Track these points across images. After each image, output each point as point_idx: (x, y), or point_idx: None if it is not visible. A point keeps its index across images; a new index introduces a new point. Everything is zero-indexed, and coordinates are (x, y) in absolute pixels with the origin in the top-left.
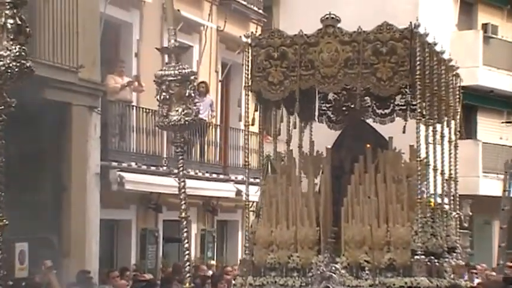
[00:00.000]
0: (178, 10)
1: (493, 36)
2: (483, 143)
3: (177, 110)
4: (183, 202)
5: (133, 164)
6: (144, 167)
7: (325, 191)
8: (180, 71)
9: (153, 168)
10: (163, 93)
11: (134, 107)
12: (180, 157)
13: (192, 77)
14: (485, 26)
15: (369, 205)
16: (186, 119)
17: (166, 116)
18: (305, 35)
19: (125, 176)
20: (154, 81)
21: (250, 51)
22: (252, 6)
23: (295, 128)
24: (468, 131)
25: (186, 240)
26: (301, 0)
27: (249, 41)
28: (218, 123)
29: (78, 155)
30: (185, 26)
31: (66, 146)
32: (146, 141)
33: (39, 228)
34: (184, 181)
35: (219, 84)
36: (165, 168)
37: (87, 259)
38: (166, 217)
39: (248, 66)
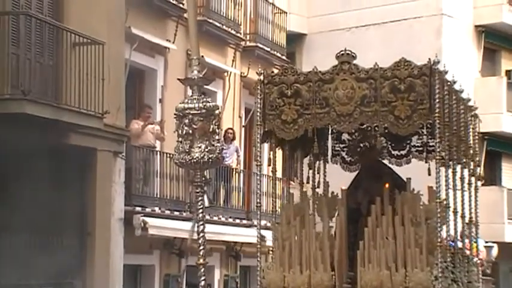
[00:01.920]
0: (203, 56)
1: None
2: (508, 189)
3: (200, 147)
4: (201, 247)
5: (156, 209)
6: (168, 211)
7: (341, 234)
8: (204, 104)
9: (176, 213)
10: (185, 128)
11: (158, 152)
12: (200, 198)
13: (217, 112)
14: (509, 73)
15: (386, 248)
16: (210, 156)
17: (188, 152)
18: (319, 71)
19: (148, 221)
20: (175, 114)
21: (262, 88)
22: (275, 53)
23: (310, 168)
24: (493, 177)
25: None
26: (323, 46)
27: (262, 78)
28: (242, 168)
29: (102, 200)
30: (209, 71)
31: (91, 191)
32: (170, 186)
33: (63, 273)
34: (203, 224)
35: (243, 129)
36: (188, 213)
37: None
38: (190, 262)
39: (260, 104)
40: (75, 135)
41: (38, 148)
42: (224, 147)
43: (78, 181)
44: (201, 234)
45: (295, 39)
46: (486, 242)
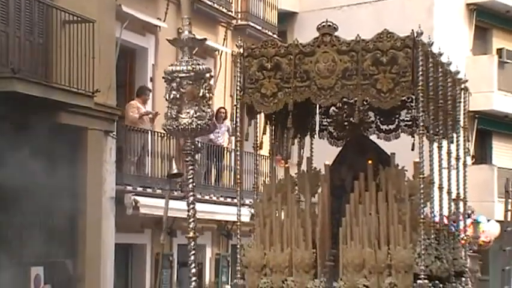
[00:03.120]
0: (194, 35)
1: (508, 61)
2: (498, 167)
3: (188, 112)
4: (191, 220)
5: (148, 188)
6: (159, 191)
7: (323, 210)
8: (193, 66)
9: None
10: (173, 92)
11: (149, 132)
12: (191, 167)
13: (208, 75)
14: (500, 51)
15: (369, 226)
16: (199, 122)
17: (176, 118)
18: (300, 44)
19: (139, 200)
20: (163, 77)
21: (242, 61)
22: (267, 31)
23: (293, 144)
24: (483, 156)
25: (193, 265)
26: (315, 24)
27: (241, 50)
28: (233, 147)
29: (93, 179)
30: (200, 50)
31: (82, 170)
32: (161, 165)
33: (54, 252)
34: (194, 195)
35: (234, 108)
36: (180, 192)
37: (102, 283)
38: (181, 241)
39: (240, 77)
40: (66, 114)
41: (28, 127)
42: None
43: (69, 160)
44: (191, 206)
45: (287, 18)
46: (488, 221)
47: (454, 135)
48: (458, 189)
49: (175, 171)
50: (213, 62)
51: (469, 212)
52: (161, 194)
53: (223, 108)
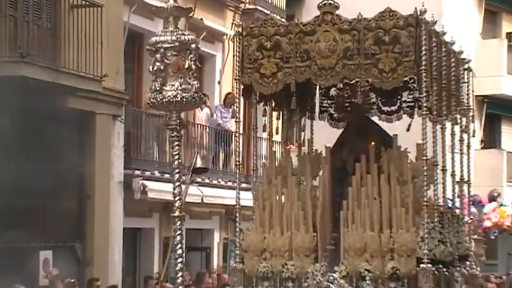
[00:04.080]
0: (201, 19)
1: None
2: (507, 152)
3: (173, 85)
4: (177, 198)
5: (156, 172)
6: (167, 175)
7: (323, 193)
8: (178, 36)
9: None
10: (157, 64)
11: (157, 115)
12: (176, 143)
13: (194, 46)
14: (509, 35)
15: (370, 209)
16: (184, 95)
17: (160, 90)
18: (301, 23)
19: (148, 184)
20: (147, 48)
21: (241, 40)
22: (275, 15)
23: (293, 126)
24: (492, 140)
25: (179, 246)
26: None
27: (240, 29)
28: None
29: (101, 164)
30: (208, 35)
31: (90, 155)
32: (169, 150)
33: (63, 236)
34: (179, 172)
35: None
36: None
37: (110, 267)
38: (189, 226)
39: (238, 57)
40: (74, 99)
41: (36, 111)
42: (224, 112)
43: (77, 144)
44: (177, 184)
45: (295, 2)
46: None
47: (458, 116)
48: (462, 171)
49: (199, 165)
50: (221, 46)
51: (495, 194)
52: (169, 179)
53: (231, 93)
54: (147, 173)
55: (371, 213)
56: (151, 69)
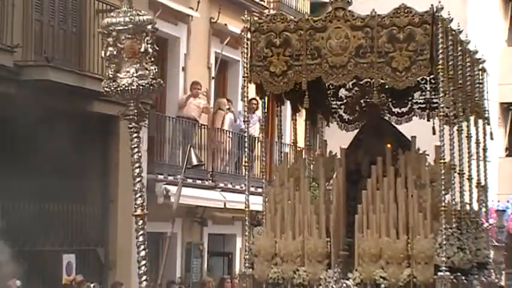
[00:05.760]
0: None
1: None
2: None
3: (128, 71)
4: (138, 195)
5: (179, 177)
6: (190, 180)
7: (338, 197)
8: (132, 17)
9: (198, 181)
10: (110, 48)
11: (180, 120)
12: (135, 135)
13: (150, 27)
14: None
15: (386, 213)
16: (140, 82)
17: (114, 78)
18: (311, 18)
19: (170, 189)
20: (99, 32)
21: (249, 37)
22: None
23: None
24: None
25: (142, 247)
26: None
27: (248, 25)
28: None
29: (125, 168)
30: (169, 14)
31: (114, 159)
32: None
33: (86, 240)
34: (140, 166)
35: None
36: (210, 181)
37: (133, 272)
38: (212, 231)
39: (247, 54)
40: (98, 103)
41: (61, 115)
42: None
43: (101, 148)
44: (137, 180)
45: (318, 8)
46: None
47: (473, 118)
48: (478, 175)
49: (195, 162)
50: (186, 28)
51: None
52: (192, 183)
53: (255, 99)
54: (170, 178)
55: (387, 217)
56: (103, 55)
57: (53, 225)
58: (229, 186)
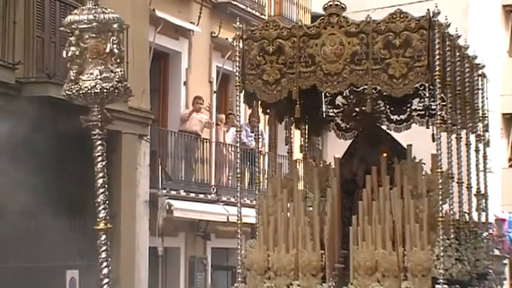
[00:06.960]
0: (154, 10)
1: None
2: None
3: (92, 73)
4: (101, 208)
5: (182, 191)
6: (193, 194)
7: (332, 208)
8: (96, 15)
9: (201, 195)
10: (72, 48)
11: (183, 135)
12: (98, 143)
13: (116, 26)
14: None
15: (382, 224)
16: (104, 85)
17: (76, 80)
18: (305, 25)
19: (173, 203)
20: (61, 29)
21: (241, 44)
22: (253, 11)
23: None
24: None
25: (104, 264)
26: None
27: (240, 32)
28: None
29: (127, 183)
30: (171, 29)
31: (116, 174)
32: (195, 169)
33: (89, 255)
34: (104, 177)
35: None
36: (213, 195)
37: (136, 286)
38: (215, 245)
39: (239, 62)
40: None
41: (62, 131)
42: (249, 131)
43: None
44: (101, 191)
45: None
46: None
47: (472, 125)
48: (478, 183)
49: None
50: (188, 43)
51: None
52: (195, 198)
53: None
54: (173, 192)
55: (383, 229)
56: (65, 55)
57: (56, 240)
58: (232, 200)
